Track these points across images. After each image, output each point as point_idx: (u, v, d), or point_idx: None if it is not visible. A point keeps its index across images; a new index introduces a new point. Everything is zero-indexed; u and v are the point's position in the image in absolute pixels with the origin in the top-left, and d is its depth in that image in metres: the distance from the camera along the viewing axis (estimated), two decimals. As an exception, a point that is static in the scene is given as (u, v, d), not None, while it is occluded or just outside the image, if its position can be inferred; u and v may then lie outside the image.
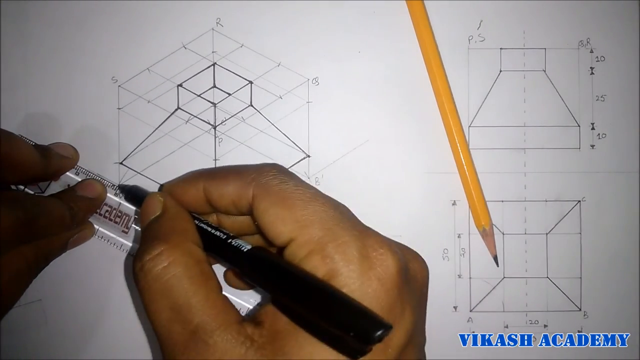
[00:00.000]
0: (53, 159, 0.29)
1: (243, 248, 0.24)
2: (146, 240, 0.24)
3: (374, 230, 0.23)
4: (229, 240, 0.24)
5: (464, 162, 0.32)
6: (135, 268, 0.23)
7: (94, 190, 0.30)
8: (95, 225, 0.31)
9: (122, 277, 0.32)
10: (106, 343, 0.32)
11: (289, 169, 0.32)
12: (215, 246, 0.24)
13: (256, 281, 0.23)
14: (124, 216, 0.31)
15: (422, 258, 0.24)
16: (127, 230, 0.31)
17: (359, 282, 0.21)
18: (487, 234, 0.32)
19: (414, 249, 0.24)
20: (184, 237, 0.24)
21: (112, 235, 0.31)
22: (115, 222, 0.31)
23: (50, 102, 0.32)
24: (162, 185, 0.26)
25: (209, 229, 0.25)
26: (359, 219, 0.23)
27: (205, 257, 0.24)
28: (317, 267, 0.21)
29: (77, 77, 0.32)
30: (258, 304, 0.30)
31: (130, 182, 0.32)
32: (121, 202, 0.31)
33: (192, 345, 0.21)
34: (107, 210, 0.31)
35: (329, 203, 0.23)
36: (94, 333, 0.31)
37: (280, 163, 0.32)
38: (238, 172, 0.25)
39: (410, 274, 0.23)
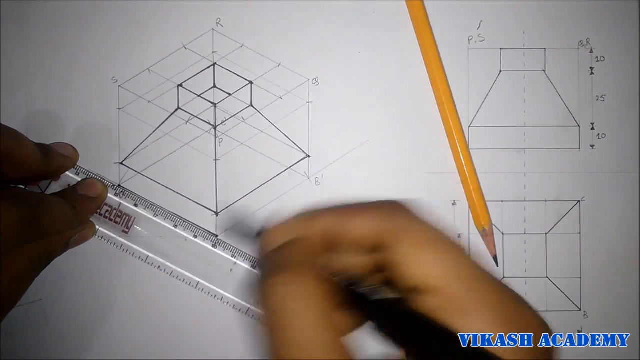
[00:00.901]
0: (54, 158, 0.29)
1: (381, 297, 0.21)
2: (277, 262, 0.21)
3: (510, 296, 0.20)
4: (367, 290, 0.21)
5: (463, 163, 0.32)
6: (264, 285, 0.20)
7: (95, 190, 0.30)
8: (95, 225, 0.31)
9: (123, 277, 0.32)
10: (106, 343, 0.32)
11: (291, 167, 0.32)
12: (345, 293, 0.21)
13: (392, 336, 0.21)
14: (124, 216, 0.31)
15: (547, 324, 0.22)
16: (127, 230, 0.31)
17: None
18: (487, 234, 0.32)
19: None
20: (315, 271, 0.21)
21: (112, 235, 0.31)
22: (116, 222, 0.31)
23: (51, 102, 0.32)
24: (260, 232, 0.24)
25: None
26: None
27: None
28: (456, 325, 0.19)
29: (77, 77, 0.32)
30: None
31: (131, 182, 0.32)
32: (121, 202, 0.31)
33: None
34: (107, 210, 0.31)
35: (467, 258, 0.21)
36: (94, 333, 0.32)
37: (280, 163, 0.32)
38: (363, 209, 0.22)
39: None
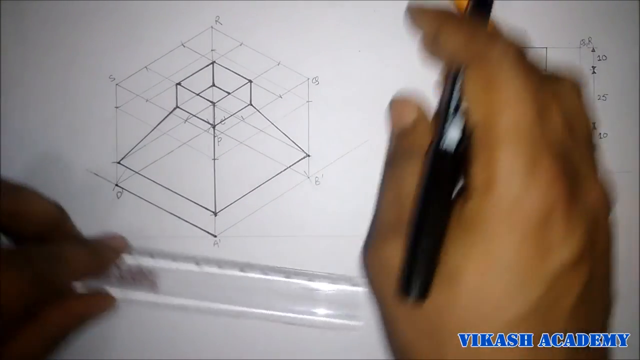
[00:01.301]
0: (104, 254, 0.28)
1: None
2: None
3: (557, 150, 0.22)
4: None
5: None
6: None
7: (114, 240, 0.30)
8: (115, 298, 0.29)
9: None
10: (107, 343, 0.31)
11: (290, 167, 0.31)
12: None
13: None
14: (145, 274, 0.30)
15: (606, 187, 0.23)
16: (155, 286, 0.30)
17: (515, 199, 0.21)
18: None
19: (603, 176, 0.24)
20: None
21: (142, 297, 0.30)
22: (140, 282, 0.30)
23: (48, 101, 0.32)
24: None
25: None
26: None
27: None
28: (477, 172, 0.21)
29: (74, 75, 0.32)
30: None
31: (129, 182, 0.32)
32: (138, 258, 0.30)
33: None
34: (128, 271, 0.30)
35: (535, 108, 0.21)
36: (95, 332, 0.31)
37: (280, 162, 0.32)
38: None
39: (584, 202, 0.22)
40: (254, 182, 0.32)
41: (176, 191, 0.32)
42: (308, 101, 0.32)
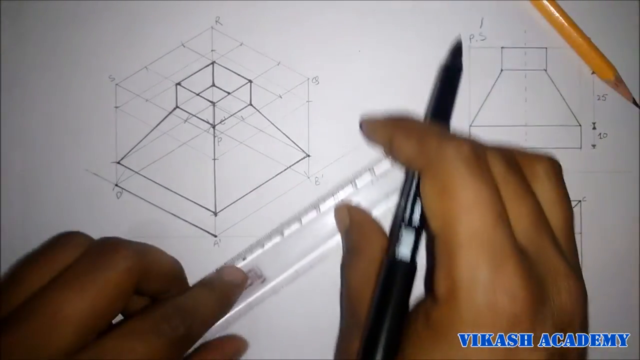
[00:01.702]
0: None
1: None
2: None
3: (521, 256, 0.20)
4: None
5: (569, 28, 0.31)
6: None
7: (237, 277, 0.29)
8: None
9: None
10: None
11: (290, 167, 0.31)
12: None
13: None
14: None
15: (579, 291, 0.22)
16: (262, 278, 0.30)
17: (474, 319, 0.20)
18: (619, 81, 0.31)
19: (575, 276, 0.22)
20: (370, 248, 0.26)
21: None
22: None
23: (48, 101, 0.31)
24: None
25: None
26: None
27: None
28: (440, 281, 0.21)
29: (73, 75, 0.32)
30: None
31: (128, 182, 0.32)
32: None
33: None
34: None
35: (494, 213, 0.20)
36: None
37: (280, 162, 0.32)
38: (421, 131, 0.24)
39: (553, 313, 0.21)
40: (254, 182, 0.32)
41: (176, 191, 0.32)
42: (308, 101, 0.32)
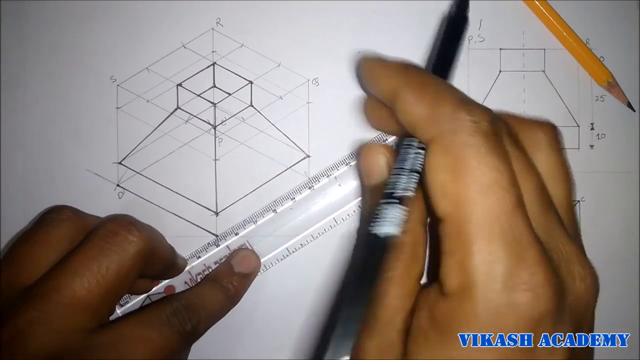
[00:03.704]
0: (178, 258, 0.29)
1: None
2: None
3: (540, 246, 0.18)
4: None
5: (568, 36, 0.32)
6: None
7: (249, 264, 0.30)
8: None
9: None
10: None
11: (291, 167, 0.31)
12: None
13: None
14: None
15: (591, 276, 0.20)
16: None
17: (492, 316, 0.17)
18: (613, 85, 0.31)
19: (586, 262, 0.20)
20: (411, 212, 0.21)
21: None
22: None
23: (49, 101, 0.32)
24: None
25: None
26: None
27: (424, 240, 0.21)
28: (450, 273, 0.18)
29: (75, 76, 0.32)
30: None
31: (130, 182, 0.32)
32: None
33: None
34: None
35: (511, 198, 0.18)
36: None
37: (280, 163, 0.32)
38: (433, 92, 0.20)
39: (570, 303, 0.19)
40: (254, 183, 0.32)
41: (177, 191, 0.32)
42: (308, 102, 0.32)
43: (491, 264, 0.18)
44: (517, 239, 0.18)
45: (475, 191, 0.18)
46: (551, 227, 0.20)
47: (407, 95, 0.20)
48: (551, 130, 0.23)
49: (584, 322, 0.20)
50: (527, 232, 0.18)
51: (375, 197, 0.21)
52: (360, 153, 0.23)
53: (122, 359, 0.23)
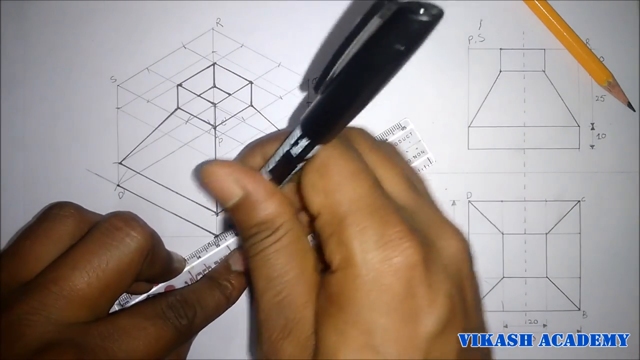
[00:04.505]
0: (174, 263, 0.29)
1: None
2: (243, 220, 0.23)
3: (403, 213, 0.21)
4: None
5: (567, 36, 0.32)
6: (244, 244, 0.24)
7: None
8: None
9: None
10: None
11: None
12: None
13: None
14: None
15: (460, 236, 0.23)
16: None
17: (374, 274, 0.20)
18: (613, 85, 0.32)
19: (454, 226, 0.23)
20: (282, 211, 0.23)
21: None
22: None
23: (49, 101, 0.32)
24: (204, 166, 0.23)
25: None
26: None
27: (303, 231, 0.23)
28: (333, 251, 0.21)
29: (76, 76, 0.32)
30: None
31: (130, 182, 0.32)
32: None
33: (275, 313, 0.22)
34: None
35: (370, 180, 0.21)
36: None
37: (280, 163, 0.32)
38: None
39: (443, 258, 0.22)
40: (254, 183, 0.32)
41: (177, 191, 0.32)
42: (308, 102, 0.32)
43: (363, 232, 0.20)
44: (380, 209, 0.21)
45: (339, 180, 0.21)
46: (418, 201, 0.23)
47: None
48: (388, 144, 0.26)
49: (465, 281, 0.22)
50: (388, 204, 0.21)
51: (239, 216, 0.23)
52: (204, 180, 0.23)
53: (118, 349, 0.23)
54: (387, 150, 0.24)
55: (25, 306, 0.23)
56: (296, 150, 0.21)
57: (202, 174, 0.23)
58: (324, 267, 0.22)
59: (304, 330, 0.22)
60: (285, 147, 0.22)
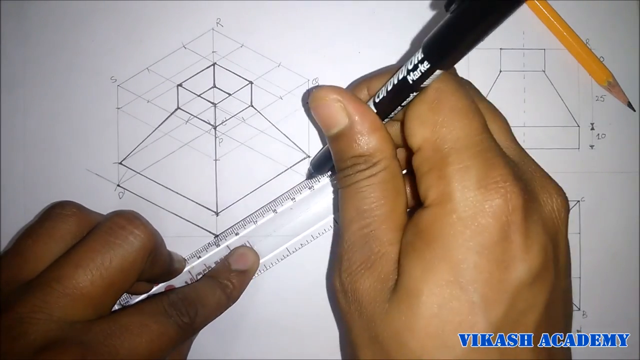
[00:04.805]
0: (175, 263, 0.30)
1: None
2: (343, 150, 0.23)
3: (508, 159, 0.21)
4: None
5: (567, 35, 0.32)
6: (338, 173, 0.24)
7: (246, 261, 0.30)
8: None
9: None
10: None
11: (291, 168, 0.32)
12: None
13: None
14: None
15: (562, 194, 0.22)
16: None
17: (471, 212, 0.20)
18: (614, 85, 0.32)
19: (557, 184, 0.23)
20: (383, 148, 0.23)
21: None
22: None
23: (50, 101, 0.32)
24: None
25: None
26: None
27: (400, 171, 0.23)
28: (431, 186, 0.21)
29: (76, 76, 0.32)
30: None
31: (130, 182, 0.32)
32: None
33: (360, 244, 0.22)
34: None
35: (480, 121, 0.21)
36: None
37: (280, 163, 0.32)
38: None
39: (542, 211, 0.21)
40: (254, 183, 0.32)
41: (178, 191, 0.32)
42: (308, 102, 0.32)
43: (465, 170, 0.20)
44: (487, 151, 0.20)
45: (450, 115, 0.21)
46: (522, 153, 0.23)
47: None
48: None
49: (560, 240, 0.22)
50: (494, 147, 0.21)
51: (339, 145, 0.23)
52: (313, 103, 0.23)
53: (120, 346, 0.23)
54: (492, 105, 0.24)
55: (28, 304, 0.23)
56: (414, 76, 0.21)
57: (311, 98, 0.23)
58: (414, 205, 0.22)
59: (386, 265, 0.22)
60: (401, 74, 0.21)
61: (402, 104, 0.22)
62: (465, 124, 0.21)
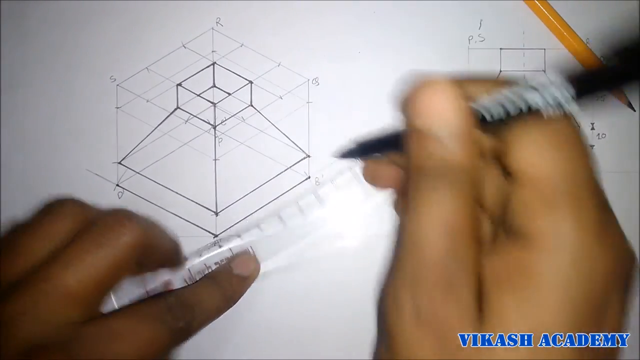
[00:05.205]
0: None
1: None
2: (424, 148, 0.20)
3: (614, 219, 0.21)
4: None
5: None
6: (412, 172, 0.21)
7: (247, 268, 0.30)
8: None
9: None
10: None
11: (291, 167, 0.31)
12: None
13: None
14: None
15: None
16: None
17: (581, 258, 0.19)
18: None
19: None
20: (471, 160, 0.20)
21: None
22: None
23: (49, 101, 0.32)
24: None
25: None
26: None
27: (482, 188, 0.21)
28: (534, 220, 0.19)
29: (75, 75, 0.32)
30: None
31: (129, 182, 0.32)
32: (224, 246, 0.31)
33: (438, 262, 0.19)
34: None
35: (594, 165, 0.20)
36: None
37: (280, 163, 0.32)
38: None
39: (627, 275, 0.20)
40: (254, 183, 0.32)
41: (177, 191, 0.32)
42: (308, 102, 0.32)
43: (581, 210, 0.19)
44: (600, 194, 0.20)
45: (576, 153, 0.20)
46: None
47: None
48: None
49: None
50: (603, 191, 0.20)
51: (439, 145, 0.20)
52: (424, 90, 0.20)
53: (108, 351, 0.22)
54: None
55: (14, 305, 0.22)
56: (543, 100, 0.19)
57: (424, 85, 0.20)
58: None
59: (469, 291, 0.19)
60: (526, 92, 0.19)
61: (504, 121, 0.20)
62: (587, 165, 0.20)
